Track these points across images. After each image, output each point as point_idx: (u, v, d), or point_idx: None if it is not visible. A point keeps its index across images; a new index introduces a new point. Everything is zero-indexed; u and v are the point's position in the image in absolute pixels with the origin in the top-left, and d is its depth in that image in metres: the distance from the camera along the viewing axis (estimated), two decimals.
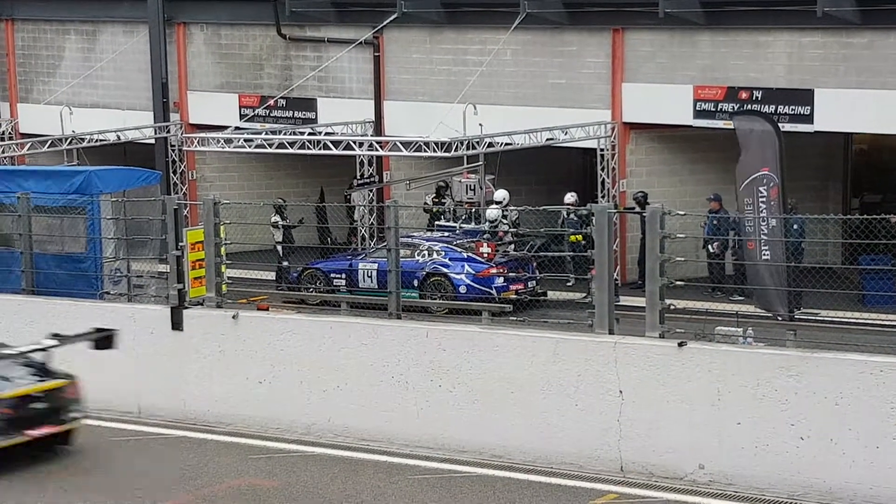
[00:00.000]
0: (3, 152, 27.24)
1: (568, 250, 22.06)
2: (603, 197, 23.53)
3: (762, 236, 18.72)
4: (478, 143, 22.60)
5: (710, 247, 21.40)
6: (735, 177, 19.40)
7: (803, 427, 10.94)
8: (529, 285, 21.42)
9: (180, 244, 14.05)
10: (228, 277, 14.43)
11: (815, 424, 10.90)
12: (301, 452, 12.75)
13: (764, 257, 18.58)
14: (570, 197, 23.63)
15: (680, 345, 11.52)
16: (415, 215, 24.12)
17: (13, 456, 12.29)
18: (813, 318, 15.60)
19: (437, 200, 24.51)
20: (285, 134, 24.72)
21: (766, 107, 21.60)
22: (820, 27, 21.32)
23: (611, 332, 12.09)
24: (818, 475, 10.90)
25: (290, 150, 24.00)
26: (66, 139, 26.83)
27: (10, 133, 31.09)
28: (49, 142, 26.72)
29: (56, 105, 29.29)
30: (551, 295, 20.79)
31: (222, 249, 14.16)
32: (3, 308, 15.48)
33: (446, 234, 22.64)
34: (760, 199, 19.21)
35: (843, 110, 21.20)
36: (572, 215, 22.50)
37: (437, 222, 23.83)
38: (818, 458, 10.89)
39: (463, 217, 23.56)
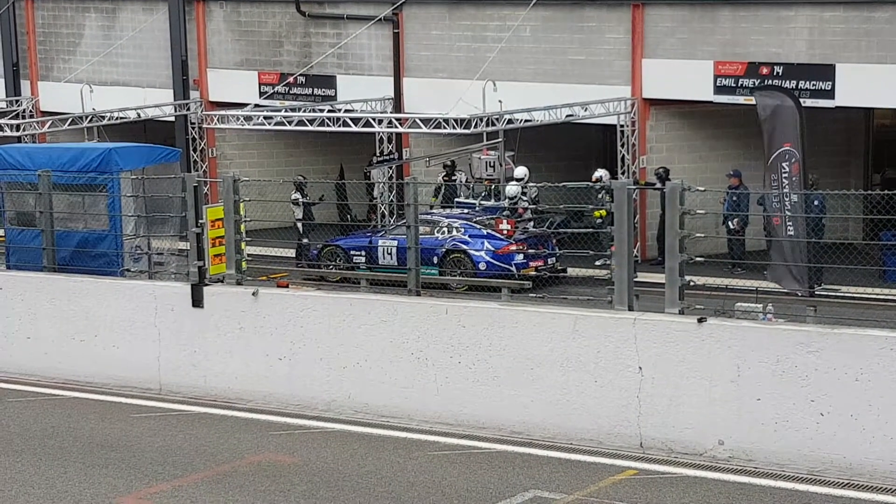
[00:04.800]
0: (23, 130, 27.36)
1: (594, 226, 21.97)
2: (623, 173, 23.47)
3: (785, 212, 18.68)
4: (497, 119, 22.57)
5: (729, 223, 21.34)
6: (763, 152, 19.35)
7: (823, 403, 10.92)
8: (549, 262, 21.41)
9: (200, 221, 14.08)
10: (248, 255, 14.46)
11: (835, 400, 10.87)
12: (321, 429, 12.80)
13: (788, 233, 18.55)
14: (603, 172, 23.28)
15: (700, 321, 11.50)
16: (431, 192, 24.15)
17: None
18: (833, 293, 15.57)
19: (446, 179, 24.54)
20: (305, 111, 24.74)
21: (788, 82, 21.49)
22: (842, 2, 21.18)
23: (630, 309, 12.07)
24: (838, 451, 10.88)
25: (310, 128, 24.03)
26: (87, 117, 26.93)
27: (30, 111, 31.21)
28: (69, 120, 26.83)
29: (76, 83, 29.39)
30: (571, 271, 20.79)
31: (242, 226, 14.18)
32: (26, 285, 15.58)
33: (466, 210, 22.63)
34: (783, 175, 19.17)
35: (865, 85, 21.08)
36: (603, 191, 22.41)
37: (456, 199, 23.84)
38: (838, 434, 10.87)
39: (482, 194, 23.55)
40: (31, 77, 31.85)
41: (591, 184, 22.20)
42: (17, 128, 27.27)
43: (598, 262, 19.82)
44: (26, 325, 15.46)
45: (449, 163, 24.59)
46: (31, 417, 13.62)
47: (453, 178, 24.58)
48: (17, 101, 31.52)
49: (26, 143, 26.23)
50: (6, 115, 29.90)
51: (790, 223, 18.66)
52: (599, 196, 21.58)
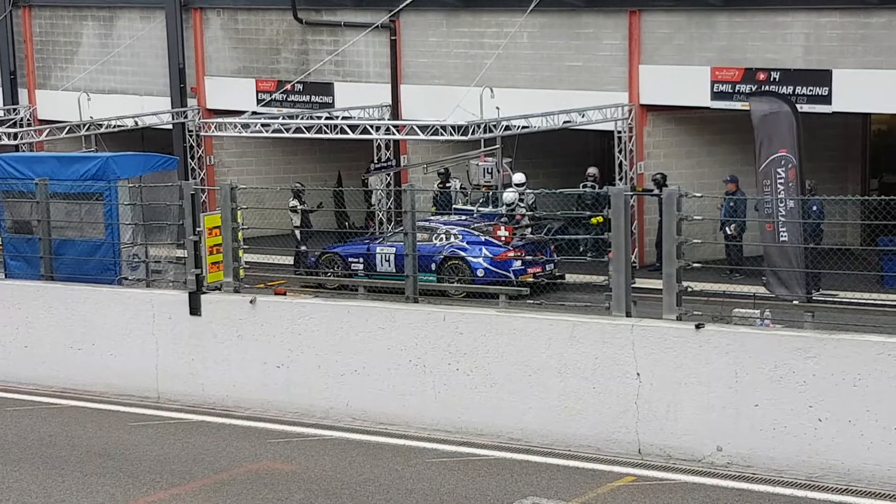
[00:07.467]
0: (21, 139, 27.36)
1: (591, 232, 22.05)
2: (620, 179, 23.49)
3: (780, 218, 18.66)
4: (495, 126, 22.58)
5: (726, 229, 21.34)
6: (755, 158, 19.34)
7: (821, 409, 10.92)
8: (547, 268, 21.41)
9: (198, 229, 14.09)
10: (246, 262, 14.47)
11: (833, 406, 10.87)
12: (319, 436, 12.80)
13: (782, 239, 18.54)
14: (592, 169, 23.84)
15: (697, 327, 11.50)
16: (430, 199, 24.16)
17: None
18: (831, 299, 15.57)
19: (441, 186, 24.55)
20: (302, 118, 24.75)
21: (784, 88, 21.50)
22: (838, 7, 21.21)
23: (628, 315, 12.07)
24: (836, 457, 10.88)
25: (308, 135, 24.03)
26: (84, 125, 26.93)
27: (28, 119, 31.22)
28: (67, 128, 26.82)
29: (74, 91, 29.41)
30: (569, 278, 20.78)
31: (239, 234, 14.19)
32: (23, 294, 15.57)
33: (464, 217, 22.63)
34: (779, 181, 19.15)
35: (862, 90, 21.09)
36: (587, 189, 22.58)
37: (454, 206, 23.83)
38: (836, 440, 10.87)
39: (480, 200, 23.55)
40: (29, 85, 31.86)
41: (583, 191, 22.31)
42: (15, 136, 27.26)
43: (586, 259, 19.82)
44: (23, 334, 15.45)
45: (443, 170, 24.61)
46: (29, 426, 13.61)
47: (447, 185, 24.59)
48: (14, 109, 31.53)
49: (23, 151, 26.22)
50: (4, 123, 29.92)
51: (783, 229, 18.65)
52: (589, 192, 21.71)
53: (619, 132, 23.49)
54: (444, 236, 21.56)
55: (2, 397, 14.87)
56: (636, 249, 22.79)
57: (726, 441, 11.34)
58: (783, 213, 18.71)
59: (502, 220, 21.89)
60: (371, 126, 23.71)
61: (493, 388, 12.44)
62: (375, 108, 25.91)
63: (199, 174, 28.37)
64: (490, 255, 21.09)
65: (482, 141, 22.88)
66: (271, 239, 21.19)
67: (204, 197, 25.42)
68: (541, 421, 12.19)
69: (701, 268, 12.35)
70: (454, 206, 23.89)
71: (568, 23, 24.00)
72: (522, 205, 22.70)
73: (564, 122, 23.07)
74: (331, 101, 26.90)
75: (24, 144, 27.41)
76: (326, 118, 24.73)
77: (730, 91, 22.32)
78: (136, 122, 27.67)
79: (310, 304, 13.83)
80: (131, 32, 29.79)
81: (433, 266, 21.02)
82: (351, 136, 23.55)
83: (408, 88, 26.01)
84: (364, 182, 26.04)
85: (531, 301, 15.93)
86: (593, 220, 21.69)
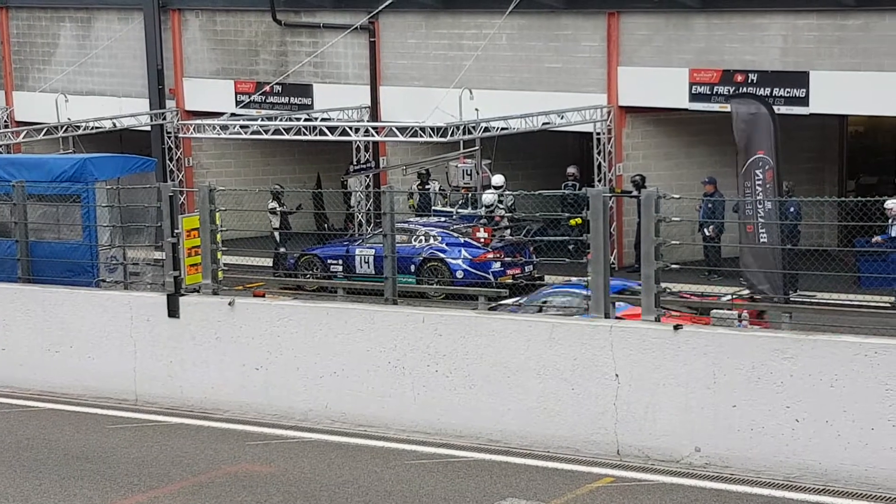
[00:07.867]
0: None
1: (570, 233, 22.11)
2: (599, 181, 23.54)
3: (759, 219, 18.75)
4: (474, 127, 22.60)
5: (705, 230, 21.42)
6: (736, 160, 19.43)
7: (799, 409, 10.96)
8: (526, 270, 21.44)
9: (176, 231, 14.05)
10: (225, 264, 14.43)
11: (810, 407, 10.92)
12: (298, 439, 12.78)
13: (762, 240, 18.63)
14: (572, 169, 23.92)
15: (676, 328, 11.53)
16: (407, 198, 24.17)
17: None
18: (808, 300, 15.65)
19: (420, 188, 24.56)
20: (281, 120, 24.72)
21: (762, 89, 21.59)
22: (815, 9, 21.31)
23: (607, 316, 12.10)
24: (814, 457, 10.92)
25: (287, 137, 24.00)
26: (62, 127, 26.83)
27: (5, 121, 31.06)
28: (45, 130, 26.71)
29: (51, 93, 29.29)
30: (548, 279, 20.82)
31: (218, 236, 14.15)
32: (0, 297, 15.49)
33: (443, 219, 22.65)
34: (757, 182, 19.25)
35: (839, 92, 21.20)
36: (570, 189, 22.64)
37: (433, 208, 23.85)
38: (814, 441, 10.92)
39: (459, 202, 23.58)
40: (6, 87, 31.71)
41: (564, 192, 22.37)
42: None
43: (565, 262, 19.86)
44: (0, 337, 15.36)
45: (423, 171, 24.62)
46: (6, 429, 13.54)
47: (427, 186, 24.60)
48: None
49: (0, 153, 26.10)
50: None
51: (763, 230, 18.75)
52: (570, 189, 21.75)
53: (598, 134, 23.54)
54: (423, 238, 21.57)
55: None
56: (615, 251, 22.85)
57: (704, 442, 11.37)
58: (762, 214, 18.80)
59: (481, 221, 21.92)
60: (350, 128, 23.70)
61: (472, 389, 12.44)
62: (354, 110, 25.90)
63: (178, 176, 28.29)
64: (469, 257, 21.11)
65: (461, 142, 22.90)
66: (250, 241, 21.16)
67: (182, 199, 25.36)
68: (520, 422, 12.20)
69: (679, 269, 12.39)
70: (434, 207, 23.91)
71: (547, 24, 24.04)
72: (501, 206, 22.73)
73: (543, 124, 23.11)
74: (310, 103, 26.88)
75: (0, 147, 27.28)
76: (305, 120, 24.71)
77: (708, 93, 22.40)
78: (114, 124, 27.57)
79: (288, 306, 13.80)
80: (109, 34, 29.69)
81: (412, 268, 21.02)
82: (330, 137, 23.53)
83: (387, 90, 26.00)
84: (343, 184, 26.03)
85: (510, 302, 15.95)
86: (572, 222, 21.73)
